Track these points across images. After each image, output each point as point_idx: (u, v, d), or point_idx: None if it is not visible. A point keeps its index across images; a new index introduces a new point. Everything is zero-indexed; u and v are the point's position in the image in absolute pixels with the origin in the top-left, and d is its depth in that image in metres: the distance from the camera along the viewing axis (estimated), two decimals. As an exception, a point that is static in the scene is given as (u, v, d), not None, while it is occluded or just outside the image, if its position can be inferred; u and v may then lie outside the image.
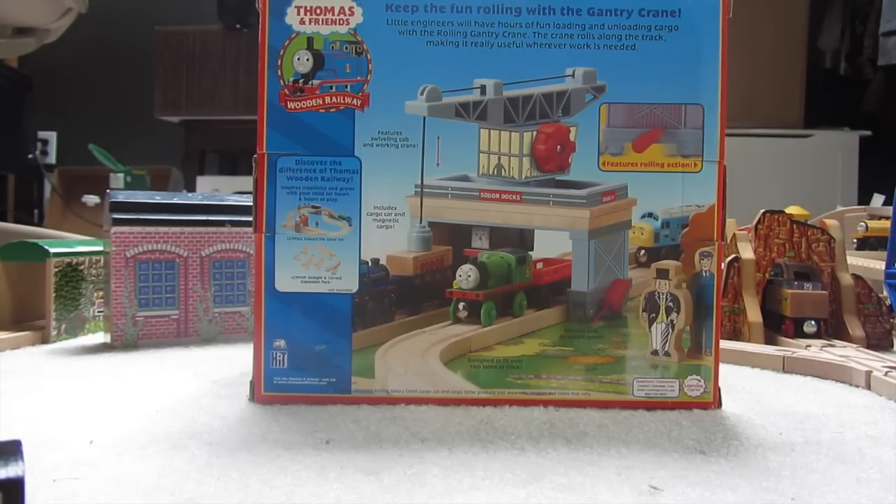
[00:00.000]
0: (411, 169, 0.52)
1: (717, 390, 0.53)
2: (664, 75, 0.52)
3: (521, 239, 0.54)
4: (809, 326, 0.79)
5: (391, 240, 0.53)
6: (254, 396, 0.53)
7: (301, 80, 0.52)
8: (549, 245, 0.53)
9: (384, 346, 0.53)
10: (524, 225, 0.53)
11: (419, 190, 0.52)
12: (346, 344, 0.52)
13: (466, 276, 0.53)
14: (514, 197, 0.53)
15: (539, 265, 0.53)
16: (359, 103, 0.52)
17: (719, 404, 0.53)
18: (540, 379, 0.53)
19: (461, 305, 0.53)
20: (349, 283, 0.52)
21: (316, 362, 0.52)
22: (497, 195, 0.53)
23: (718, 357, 0.53)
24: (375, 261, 0.53)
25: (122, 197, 0.76)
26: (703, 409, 0.53)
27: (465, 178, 0.53)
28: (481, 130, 0.53)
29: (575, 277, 0.53)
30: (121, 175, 2.54)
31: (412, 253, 0.53)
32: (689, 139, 0.53)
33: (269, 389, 0.53)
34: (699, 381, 0.53)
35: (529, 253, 0.53)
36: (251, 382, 0.53)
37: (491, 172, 0.53)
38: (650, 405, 0.53)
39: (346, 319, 0.52)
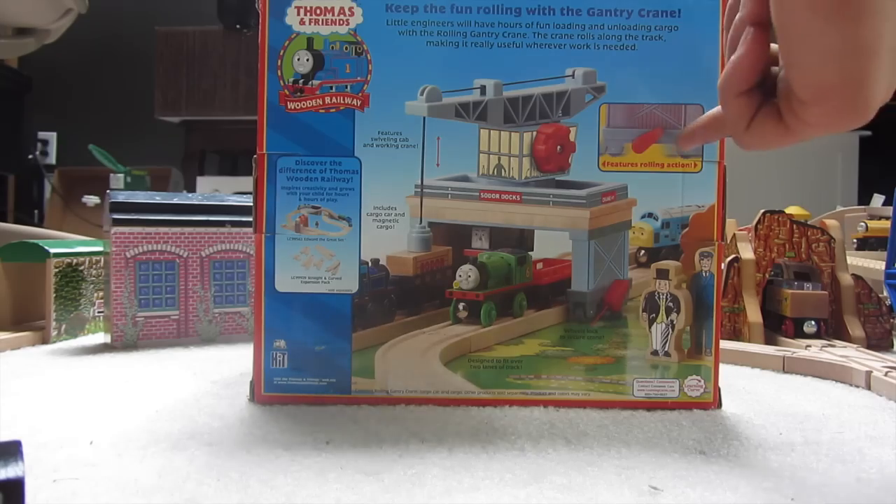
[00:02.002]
0: (411, 169, 0.52)
1: (717, 390, 0.53)
2: (664, 75, 0.52)
3: (521, 239, 0.54)
4: (809, 326, 0.79)
5: (391, 240, 0.53)
6: (254, 397, 0.53)
7: (301, 81, 0.52)
8: (549, 245, 0.53)
9: (384, 346, 0.53)
10: (524, 225, 0.53)
11: (419, 190, 0.52)
12: (346, 344, 0.52)
13: (466, 276, 0.53)
14: (514, 197, 0.53)
15: (539, 265, 0.53)
16: (359, 103, 0.52)
17: (719, 404, 0.53)
18: (540, 379, 0.53)
19: (461, 306, 0.53)
20: (349, 283, 0.52)
21: (316, 363, 0.52)
22: (497, 195, 0.53)
23: (718, 357, 0.53)
24: (375, 261, 0.53)
25: (122, 197, 0.76)
26: (703, 410, 0.53)
27: (465, 179, 0.53)
28: (481, 131, 0.53)
29: (575, 278, 0.53)
30: (121, 175, 2.54)
31: (412, 253, 0.53)
32: (689, 139, 0.53)
33: (269, 390, 0.53)
34: (699, 381, 0.53)
35: (529, 253, 0.53)
36: (251, 383, 0.53)
37: (491, 173, 0.53)
38: (650, 405, 0.53)
39: (346, 320, 0.52)
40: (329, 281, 0.52)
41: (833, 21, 0.31)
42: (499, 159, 0.53)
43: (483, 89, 0.52)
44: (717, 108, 0.45)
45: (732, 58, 0.38)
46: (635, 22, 0.52)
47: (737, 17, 0.38)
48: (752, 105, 0.38)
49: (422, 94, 0.52)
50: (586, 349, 0.53)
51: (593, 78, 0.52)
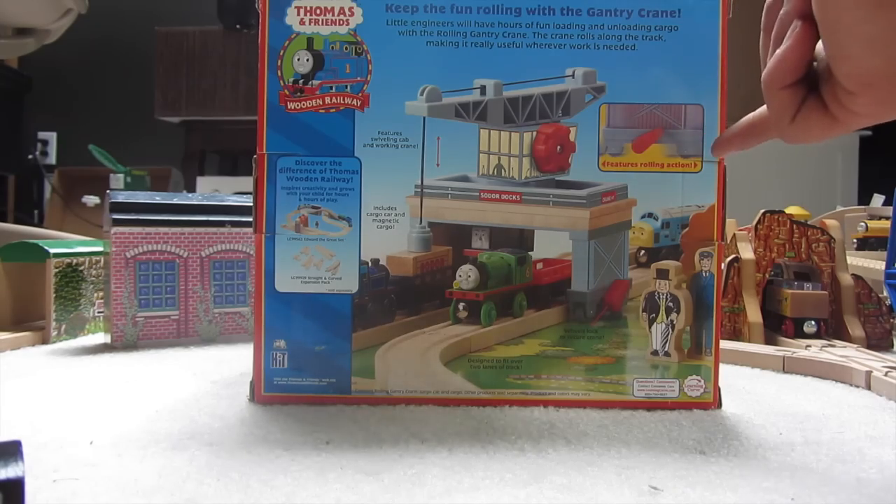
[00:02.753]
0: (411, 169, 0.52)
1: (717, 390, 0.53)
2: (664, 75, 0.52)
3: (520, 239, 0.54)
4: (809, 326, 0.79)
5: (391, 240, 0.53)
6: (254, 397, 0.53)
7: (301, 81, 0.52)
8: (549, 245, 0.53)
9: (384, 346, 0.53)
10: (524, 225, 0.53)
11: (419, 190, 0.52)
12: (346, 344, 0.52)
13: (466, 276, 0.53)
14: (513, 197, 0.53)
15: (539, 265, 0.53)
16: (359, 104, 0.52)
17: (719, 404, 0.53)
18: (540, 379, 0.53)
19: (461, 306, 0.53)
20: (349, 283, 0.52)
21: (316, 363, 0.52)
22: (497, 195, 0.53)
23: (718, 357, 0.53)
24: (375, 261, 0.53)
25: (122, 197, 0.76)
26: (703, 410, 0.53)
27: (465, 179, 0.53)
28: (481, 131, 0.53)
29: (575, 278, 0.53)
30: (121, 175, 2.55)
31: (412, 253, 0.53)
32: (689, 139, 0.53)
33: (269, 390, 0.53)
34: (699, 381, 0.53)
35: (529, 253, 0.53)
36: (251, 383, 0.53)
37: (491, 173, 0.53)
38: (650, 405, 0.53)
39: (346, 320, 0.52)
40: (329, 281, 0.52)
41: (876, 7, 0.31)
42: (499, 159, 0.53)
43: (483, 89, 0.52)
44: (754, 114, 0.44)
45: (778, 51, 0.38)
46: (635, 22, 0.52)
47: (782, 11, 0.38)
48: (796, 97, 0.38)
49: (422, 94, 0.52)
50: (586, 349, 0.53)
51: (593, 78, 0.52)
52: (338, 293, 0.52)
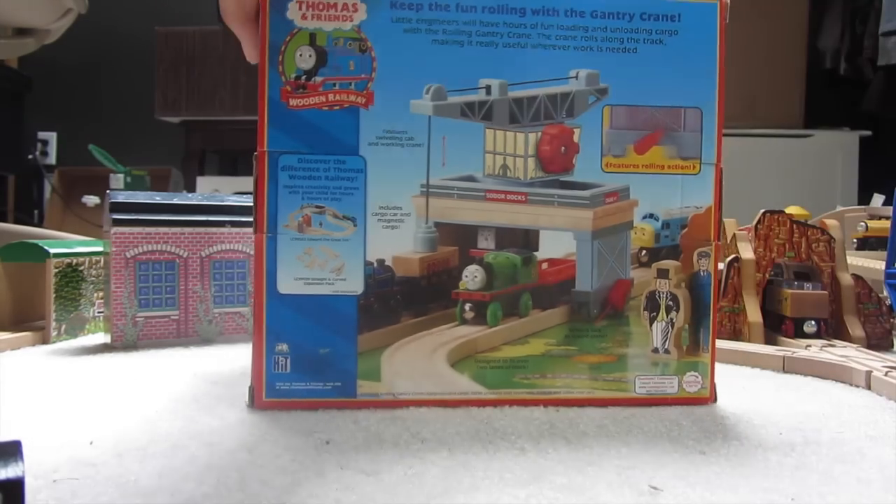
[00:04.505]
0: (417, 169, 0.52)
1: (714, 386, 0.54)
2: (664, 78, 0.52)
3: (526, 239, 0.53)
4: (809, 326, 0.79)
5: (397, 240, 0.52)
6: (253, 403, 0.51)
7: (303, 77, 0.51)
8: (554, 245, 0.53)
9: (390, 348, 0.52)
10: (529, 225, 0.53)
11: (425, 190, 0.52)
12: (351, 347, 0.52)
13: (473, 276, 0.53)
14: (519, 197, 0.53)
15: (544, 265, 0.53)
16: (363, 101, 0.52)
17: (715, 399, 0.54)
18: (545, 378, 0.53)
19: (467, 306, 0.53)
20: (354, 284, 0.52)
21: (320, 366, 0.52)
22: (503, 196, 0.53)
23: (715, 354, 0.54)
24: (381, 262, 0.52)
25: (122, 197, 0.75)
26: (700, 405, 0.53)
27: (471, 179, 0.53)
28: (486, 131, 0.52)
29: (579, 277, 0.53)
30: (121, 175, 2.54)
31: (418, 253, 0.53)
32: (688, 142, 0.53)
33: (270, 395, 0.51)
34: (696, 377, 0.54)
35: (535, 253, 0.53)
36: (250, 388, 0.52)
37: (496, 173, 0.53)
38: (651, 402, 0.53)
39: (352, 321, 0.52)
40: (334, 282, 0.52)
41: None
42: (504, 159, 0.53)
43: (488, 89, 0.52)
44: None
45: None
46: (637, 25, 0.52)
47: None
48: None
49: (427, 92, 0.51)
50: (590, 348, 0.53)
51: (596, 80, 0.52)
52: (343, 294, 0.52)
